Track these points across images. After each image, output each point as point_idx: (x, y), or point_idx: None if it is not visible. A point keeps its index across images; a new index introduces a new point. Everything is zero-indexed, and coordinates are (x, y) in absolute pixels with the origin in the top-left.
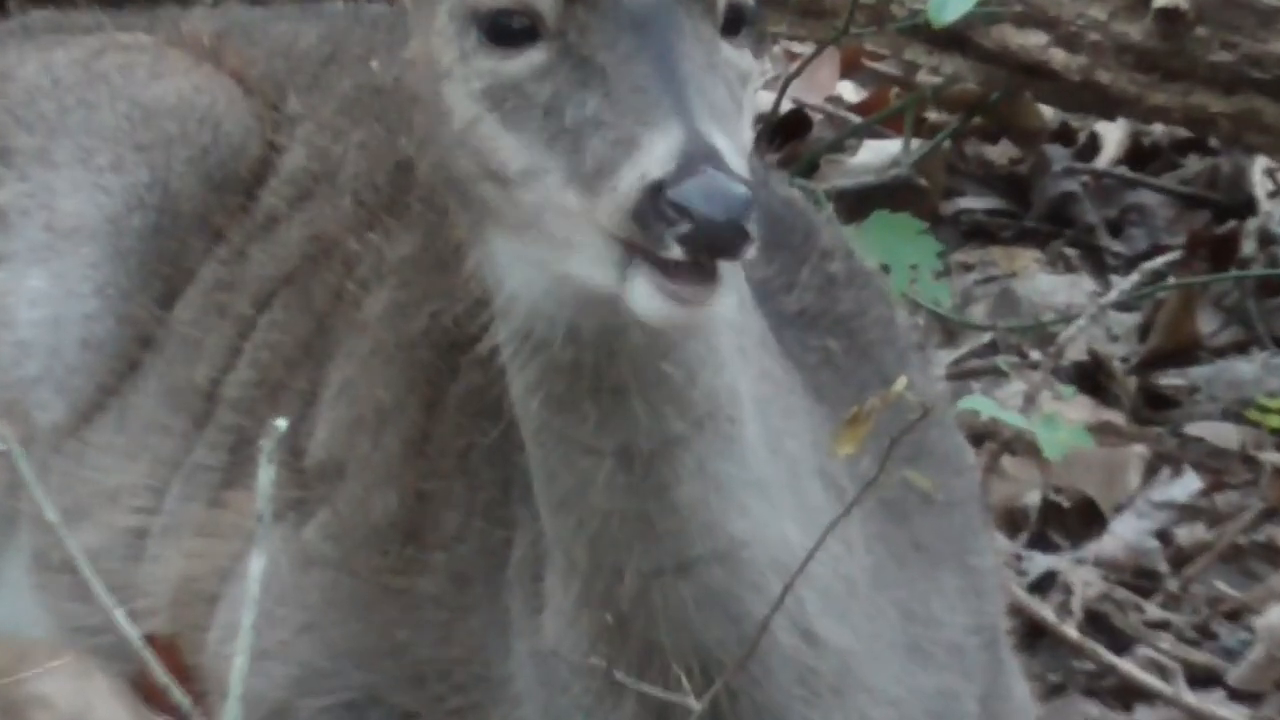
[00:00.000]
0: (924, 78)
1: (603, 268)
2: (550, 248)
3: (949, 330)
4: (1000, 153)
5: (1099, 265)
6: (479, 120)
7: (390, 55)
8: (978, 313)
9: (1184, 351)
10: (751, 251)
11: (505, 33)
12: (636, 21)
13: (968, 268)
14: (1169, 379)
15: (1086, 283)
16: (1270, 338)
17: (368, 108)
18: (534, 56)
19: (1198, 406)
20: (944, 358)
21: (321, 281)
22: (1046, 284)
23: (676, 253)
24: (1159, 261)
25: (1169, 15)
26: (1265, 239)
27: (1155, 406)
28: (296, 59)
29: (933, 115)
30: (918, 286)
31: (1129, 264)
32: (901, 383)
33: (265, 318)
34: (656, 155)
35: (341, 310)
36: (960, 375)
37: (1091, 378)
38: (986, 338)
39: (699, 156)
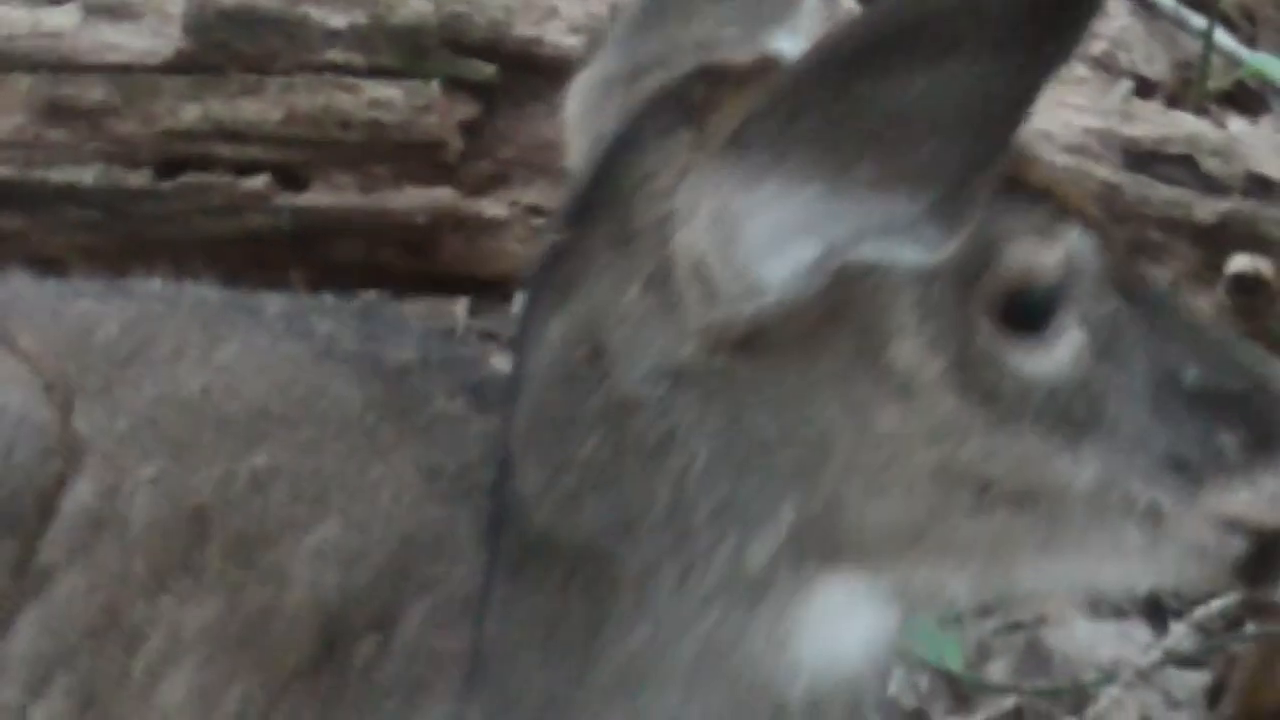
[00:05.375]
0: None
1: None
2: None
3: (961, 694)
4: None
5: (1155, 607)
6: None
7: (205, 355)
8: (998, 670)
9: None
10: None
11: None
12: None
13: (984, 612)
14: None
15: (1139, 631)
16: None
17: (165, 430)
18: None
19: None
20: None
21: (104, 665)
22: (1086, 633)
23: None
24: (1233, 601)
25: (1246, 285)
26: None
27: None
28: (91, 356)
29: None
30: (918, 639)
31: (1194, 605)
32: None
33: (39, 711)
34: None
35: (128, 699)
36: None
37: None
38: (1009, 703)
39: None
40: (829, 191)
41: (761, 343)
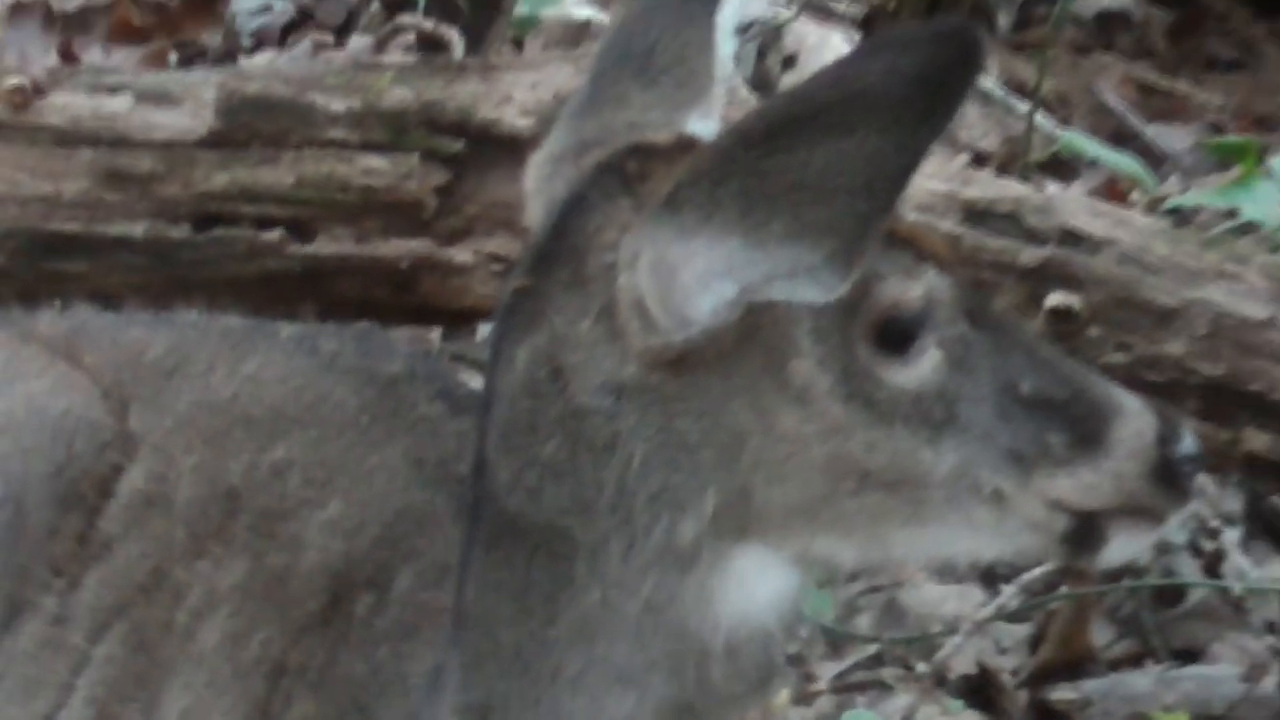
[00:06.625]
0: None
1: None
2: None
3: (833, 642)
4: None
5: (989, 574)
6: None
7: (233, 369)
8: (863, 624)
9: (1076, 664)
10: None
11: None
12: None
13: (852, 576)
14: (1061, 692)
15: (975, 592)
16: (1166, 650)
17: (202, 428)
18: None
19: None
20: (828, 670)
21: (153, 615)
22: (934, 594)
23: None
24: (1050, 570)
25: (1061, 315)
26: (1161, 548)
27: None
28: (143, 371)
29: None
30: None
31: (1019, 573)
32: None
33: (100, 651)
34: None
35: (173, 642)
36: (844, 689)
37: (980, 691)
38: (872, 649)
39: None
40: (746, 244)
41: (688, 363)
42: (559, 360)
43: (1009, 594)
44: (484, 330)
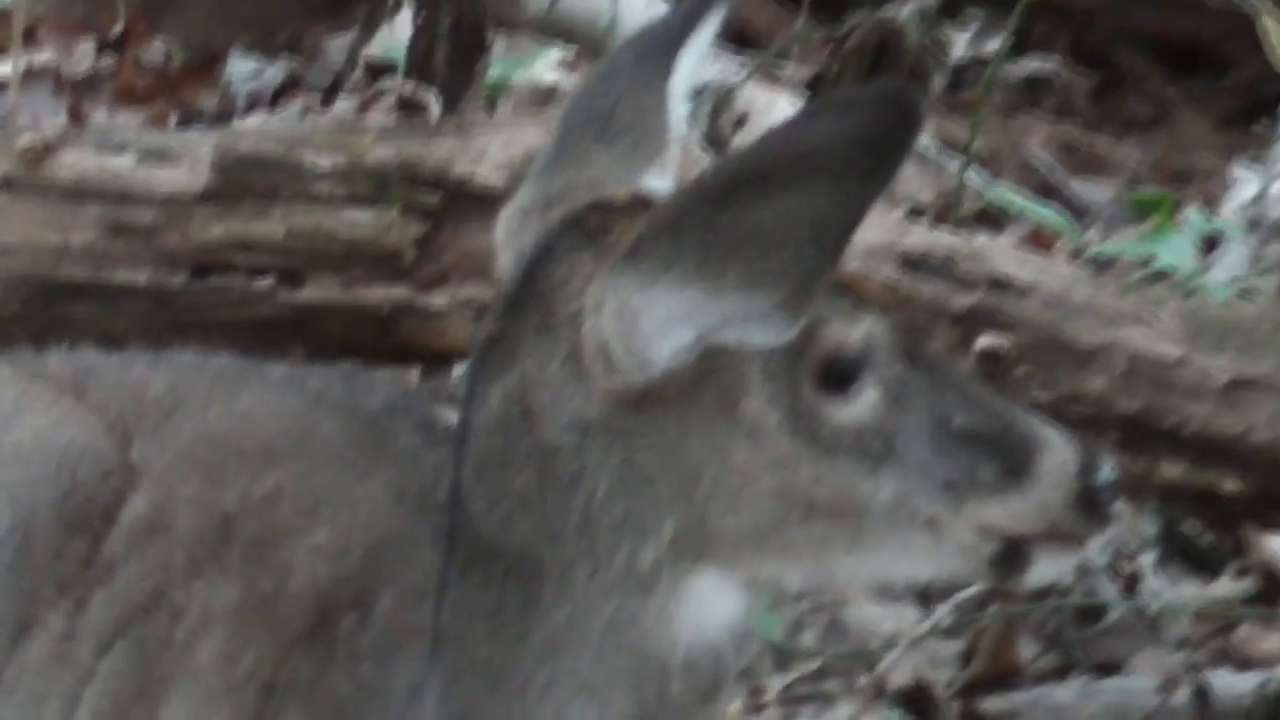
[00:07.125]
0: None
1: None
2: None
3: (780, 657)
4: None
5: (924, 593)
6: None
7: (228, 405)
8: (808, 640)
9: (1005, 677)
10: None
11: None
12: None
13: (799, 596)
14: (990, 704)
15: (912, 611)
16: (1087, 664)
17: (199, 461)
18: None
19: None
20: (776, 683)
21: (153, 633)
22: (874, 612)
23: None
24: (981, 590)
25: (991, 356)
26: (1083, 569)
27: None
28: (145, 407)
29: None
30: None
31: (952, 593)
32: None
33: (104, 666)
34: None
35: (172, 659)
36: (791, 700)
37: (916, 702)
38: (816, 664)
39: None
40: (704, 293)
41: (649, 402)
42: (529, 399)
43: (942, 612)
44: (459, 370)
